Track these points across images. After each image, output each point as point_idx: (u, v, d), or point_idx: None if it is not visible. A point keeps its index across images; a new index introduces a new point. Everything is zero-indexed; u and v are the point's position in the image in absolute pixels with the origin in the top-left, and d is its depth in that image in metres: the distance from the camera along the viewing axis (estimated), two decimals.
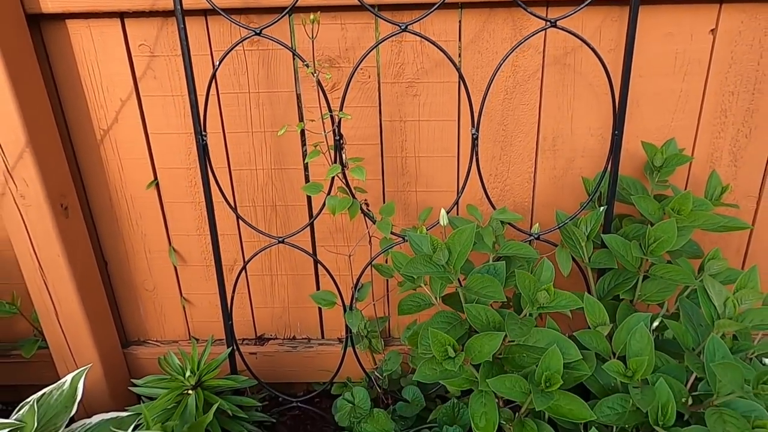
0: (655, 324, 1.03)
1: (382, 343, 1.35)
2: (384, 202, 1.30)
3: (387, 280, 1.36)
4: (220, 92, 1.27)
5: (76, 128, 1.32)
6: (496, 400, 1.01)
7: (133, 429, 1.12)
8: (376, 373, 1.31)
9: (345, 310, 1.24)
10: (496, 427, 0.97)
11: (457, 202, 1.20)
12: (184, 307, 1.53)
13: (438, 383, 1.31)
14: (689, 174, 1.32)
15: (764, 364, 0.99)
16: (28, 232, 1.27)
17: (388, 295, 1.38)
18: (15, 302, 1.39)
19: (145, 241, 1.45)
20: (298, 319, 1.54)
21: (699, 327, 0.98)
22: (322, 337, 1.55)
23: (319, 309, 1.51)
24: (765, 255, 1.39)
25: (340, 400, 1.29)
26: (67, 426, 1.21)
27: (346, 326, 1.27)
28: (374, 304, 1.34)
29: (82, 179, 1.38)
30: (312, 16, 0.99)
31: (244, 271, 1.39)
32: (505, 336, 0.97)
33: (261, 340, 1.55)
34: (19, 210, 1.25)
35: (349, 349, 1.33)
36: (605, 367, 0.94)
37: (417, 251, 1.01)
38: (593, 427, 0.96)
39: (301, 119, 1.24)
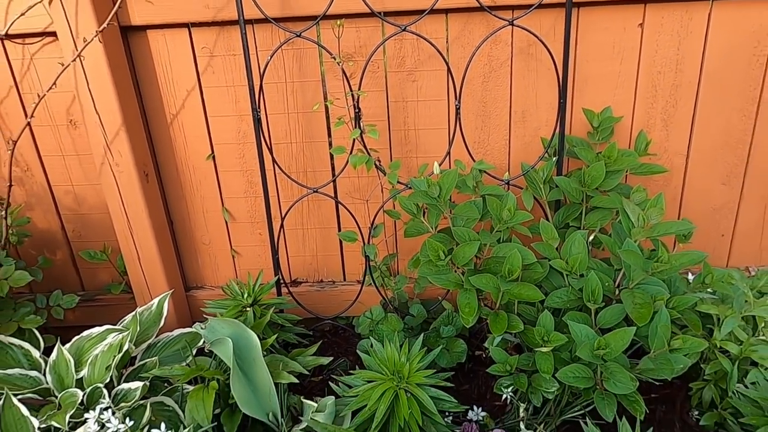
0: (591, 238, 1.45)
1: (391, 277, 1.78)
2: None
3: (395, 222, 1.78)
4: (263, 83, 1.71)
5: (152, 113, 1.77)
6: (478, 299, 1.43)
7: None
8: (387, 298, 1.74)
9: (364, 244, 1.67)
10: (476, 314, 1.40)
11: (447, 154, 1.62)
12: (233, 258, 1.96)
13: (436, 302, 1.73)
14: (630, 138, 1.74)
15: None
16: (120, 194, 1.72)
17: (396, 235, 1.80)
18: (106, 252, 1.83)
19: (203, 203, 1.88)
20: (324, 265, 1.97)
21: (622, 237, 1.40)
22: (344, 279, 1.98)
23: (341, 256, 1.94)
24: (695, 200, 1.80)
25: (360, 317, 1.72)
26: (155, 336, 1.64)
27: (366, 257, 1.70)
28: (386, 241, 1.76)
29: (155, 154, 1.82)
30: (339, 22, 1.43)
31: (282, 225, 1.81)
32: (481, 248, 1.39)
33: (295, 283, 1.98)
34: (114, 176, 1.70)
35: (365, 289, 1.76)
36: (552, 263, 1.37)
37: (416, 189, 1.44)
38: (545, 310, 1.38)
39: (326, 100, 1.68)
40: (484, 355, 1.74)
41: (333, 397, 1.36)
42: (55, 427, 1.36)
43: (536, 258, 1.43)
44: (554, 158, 1.56)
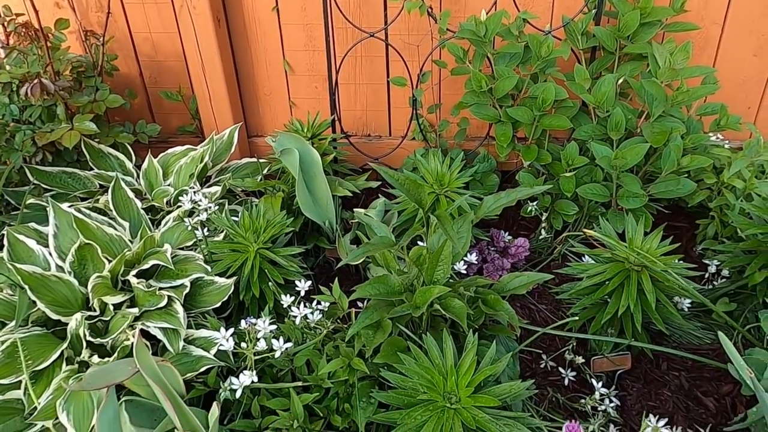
0: (620, 81, 1.65)
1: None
2: None
3: (440, 74, 2.00)
4: None
5: None
6: (512, 132, 1.66)
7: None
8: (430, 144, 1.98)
9: (412, 89, 1.90)
10: (510, 144, 1.63)
11: (494, 4, 1.80)
12: (290, 108, 2.22)
13: (474, 152, 1.96)
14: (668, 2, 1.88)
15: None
16: (196, 35, 1.97)
17: (440, 85, 2.03)
18: (180, 93, 2.11)
19: (266, 55, 2.12)
20: (373, 120, 2.21)
21: (649, 80, 1.60)
22: (390, 135, 2.23)
23: (389, 112, 2.18)
24: (726, 70, 1.95)
25: (405, 158, 1.97)
26: (226, 163, 1.94)
27: (413, 101, 1.93)
28: (432, 87, 1.99)
29: (225, 4, 2.04)
30: None
31: (337, 71, 2.03)
32: (519, 85, 1.60)
33: (346, 137, 2.24)
34: (192, 18, 1.94)
35: (408, 143, 2.00)
36: (582, 96, 1.58)
37: (464, 30, 1.65)
38: (573, 140, 1.61)
39: None
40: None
41: (384, 198, 1.64)
42: (154, 212, 1.69)
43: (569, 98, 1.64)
44: (593, 11, 1.74)
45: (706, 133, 1.65)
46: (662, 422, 1.05)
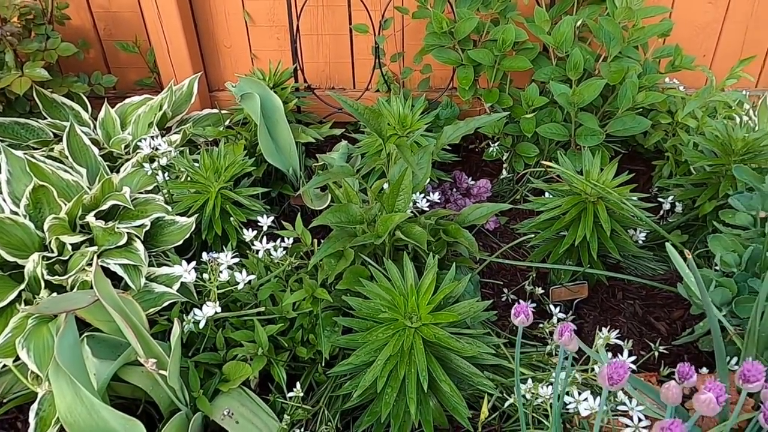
0: (579, 23, 1.69)
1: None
2: None
3: (403, 21, 2.00)
4: None
5: None
6: (474, 76, 1.68)
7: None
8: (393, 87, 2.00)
9: (375, 35, 1.90)
10: (472, 87, 1.66)
11: None
12: (252, 61, 2.20)
13: (438, 100, 1.98)
14: None
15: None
16: None
17: (403, 31, 2.03)
18: (137, 44, 2.06)
19: (225, 6, 2.09)
20: (336, 72, 2.21)
21: (606, 19, 1.63)
22: (354, 87, 2.23)
23: (352, 64, 2.17)
24: (683, 18, 2.00)
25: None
26: (187, 113, 1.91)
27: (376, 48, 1.93)
28: (395, 35, 1.99)
29: None
30: None
31: (298, 17, 2.01)
32: (480, 28, 1.62)
33: (309, 89, 2.23)
34: None
35: (372, 95, 2.01)
36: (541, 38, 1.61)
37: None
38: (533, 82, 1.64)
39: None
40: (477, 149, 2.03)
41: (346, 142, 1.65)
42: (113, 160, 1.66)
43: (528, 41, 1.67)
44: None
45: (662, 73, 1.70)
46: (614, 333, 1.10)
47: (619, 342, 1.15)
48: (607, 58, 1.65)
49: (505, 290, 1.50)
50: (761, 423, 0.69)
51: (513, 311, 0.79)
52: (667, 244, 1.03)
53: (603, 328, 1.15)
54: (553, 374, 1.10)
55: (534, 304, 1.46)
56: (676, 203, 1.66)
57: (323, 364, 1.25)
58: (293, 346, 1.27)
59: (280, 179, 1.82)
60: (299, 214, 1.82)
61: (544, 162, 1.40)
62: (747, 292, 1.10)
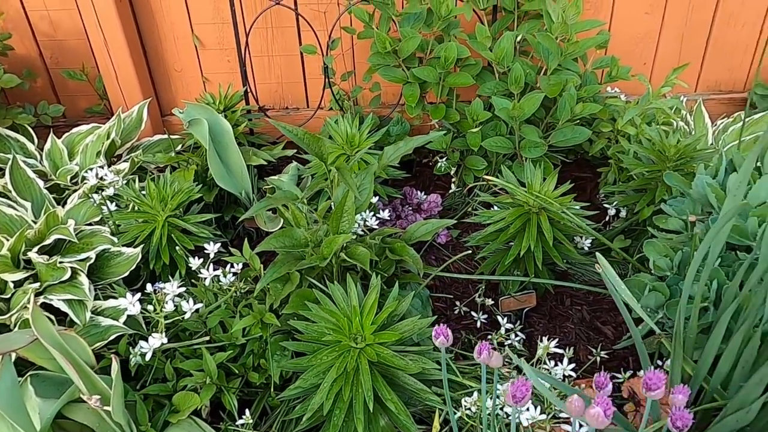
0: (519, 38, 1.74)
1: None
2: None
3: (352, 42, 2.03)
4: None
5: None
6: (421, 94, 1.72)
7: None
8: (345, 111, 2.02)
9: (323, 56, 1.93)
10: (418, 103, 1.69)
11: None
12: (204, 84, 2.20)
13: (390, 116, 2.02)
14: None
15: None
16: (95, 11, 1.92)
17: (353, 50, 2.06)
18: (84, 71, 2.05)
19: (173, 30, 2.09)
20: (289, 92, 2.23)
21: (543, 34, 1.69)
22: (307, 106, 2.25)
23: (305, 84, 2.20)
24: (622, 29, 2.08)
25: (322, 127, 2.00)
26: (137, 140, 1.91)
27: (324, 68, 1.96)
28: (344, 57, 2.02)
29: None
30: None
31: (247, 40, 2.03)
32: (424, 46, 1.66)
33: (263, 109, 2.24)
34: None
35: (325, 113, 2.04)
36: (483, 54, 1.65)
37: None
38: (478, 97, 1.68)
39: None
40: (430, 163, 2.07)
41: (296, 163, 1.66)
42: (60, 191, 1.65)
43: (471, 57, 1.71)
44: None
45: (600, 84, 1.76)
46: (553, 342, 1.14)
47: (559, 351, 1.18)
48: (546, 71, 1.71)
49: (458, 303, 1.53)
50: (669, 428, 0.73)
51: (434, 332, 0.81)
52: (598, 254, 1.08)
53: (544, 338, 1.19)
54: (499, 386, 1.13)
55: (485, 315, 1.49)
56: (621, 209, 1.72)
57: (275, 389, 1.26)
58: (245, 372, 1.27)
59: (233, 203, 1.83)
60: (254, 236, 1.84)
61: (485, 177, 1.44)
62: (678, 295, 1.15)
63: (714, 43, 2.13)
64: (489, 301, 1.47)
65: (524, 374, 0.95)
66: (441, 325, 0.81)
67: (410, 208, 1.71)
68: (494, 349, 1.21)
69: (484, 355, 0.78)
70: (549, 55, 1.65)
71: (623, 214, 1.71)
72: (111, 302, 1.28)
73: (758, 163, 1.30)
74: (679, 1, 2.05)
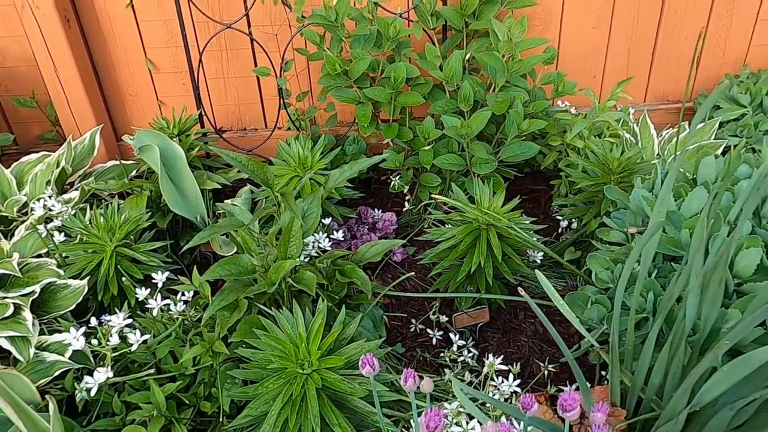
0: (467, 57, 1.78)
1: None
2: None
3: (308, 64, 2.05)
4: None
5: None
6: (373, 113, 1.74)
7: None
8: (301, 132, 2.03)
9: (277, 78, 1.94)
10: (371, 122, 1.71)
11: None
12: (159, 107, 2.19)
13: (346, 135, 2.03)
14: None
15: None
16: (43, 38, 1.90)
17: (309, 71, 2.08)
18: (35, 98, 2.02)
19: (126, 54, 2.08)
20: (246, 113, 2.23)
21: (489, 53, 1.73)
22: (265, 127, 2.25)
23: (262, 104, 2.20)
24: (571, 44, 2.14)
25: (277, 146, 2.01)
26: (89, 167, 1.89)
27: (279, 90, 1.97)
28: (298, 78, 2.04)
29: (73, 2, 1.98)
30: None
31: (200, 60, 2.03)
32: (375, 67, 1.68)
33: (220, 131, 2.24)
34: (36, 19, 1.87)
35: (281, 133, 2.04)
36: (433, 73, 1.68)
37: (316, 15, 1.71)
38: (429, 116, 1.71)
39: None
40: (388, 180, 2.08)
41: (251, 186, 1.66)
42: (7, 223, 1.62)
43: (422, 76, 1.74)
44: None
45: (548, 99, 1.81)
46: (498, 359, 1.16)
47: (504, 367, 1.20)
48: (495, 88, 1.74)
49: (413, 321, 1.54)
50: None
51: (360, 362, 0.82)
52: (536, 271, 1.10)
53: (493, 355, 1.21)
54: (452, 404, 1.14)
55: (441, 332, 1.50)
56: (572, 221, 1.75)
57: (228, 417, 1.25)
58: (197, 401, 1.26)
59: (189, 227, 1.82)
60: (211, 260, 1.83)
61: (434, 195, 1.46)
62: (619, 308, 1.18)
63: (659, 55, 2.20)
64: (444, 318, 1.48)
65: (467, 394, 0.97)
66: (369, 354, 0.82)
67: (366, 227, 1.73)
68: (446, 367, 1.22)
69: (410, 383, 0.79)
70: (496, 72, 1.68)
71: (574, 225, 1.74)
72: (56, 337, 1.26)
73: (694, 175, 1.35)
74: (624, 15, 2.12)
